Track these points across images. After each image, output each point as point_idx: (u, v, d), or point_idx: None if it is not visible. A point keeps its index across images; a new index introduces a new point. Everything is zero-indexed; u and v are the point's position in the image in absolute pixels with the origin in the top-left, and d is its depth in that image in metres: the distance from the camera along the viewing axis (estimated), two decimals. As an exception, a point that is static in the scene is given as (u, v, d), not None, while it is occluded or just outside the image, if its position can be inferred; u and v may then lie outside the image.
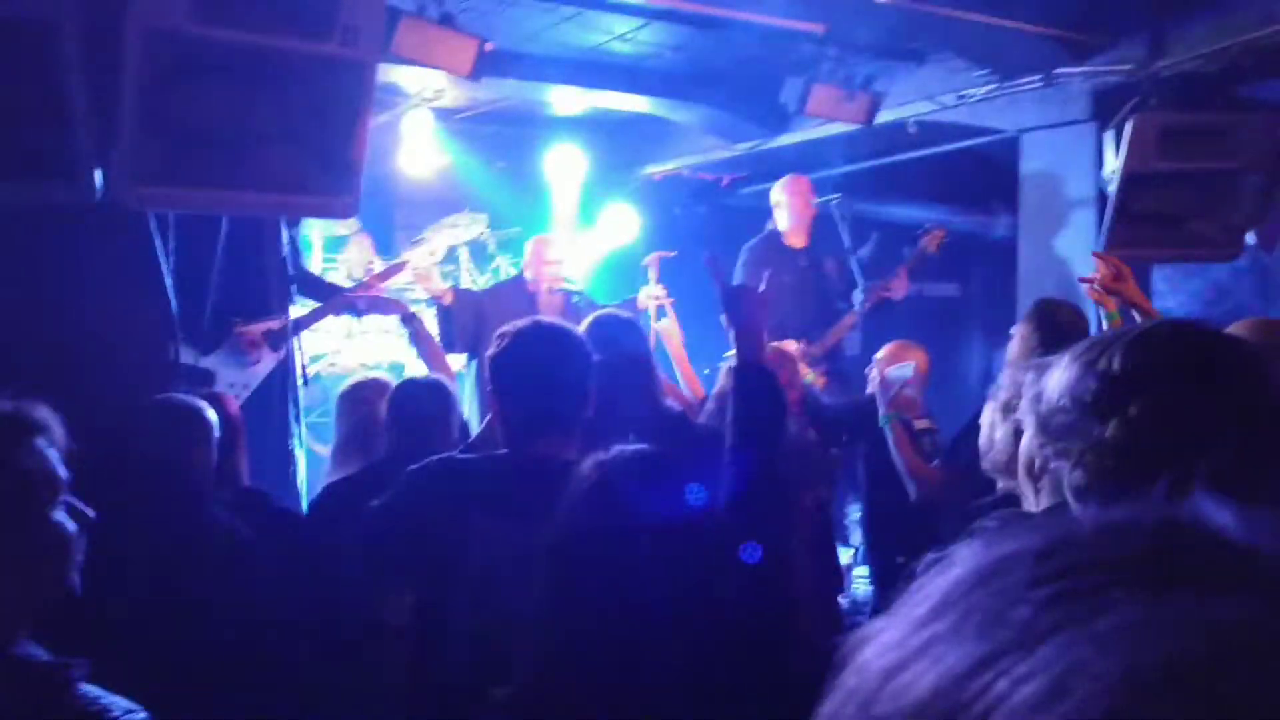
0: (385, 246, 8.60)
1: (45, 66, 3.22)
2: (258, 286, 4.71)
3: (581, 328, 3.25)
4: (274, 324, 4.67)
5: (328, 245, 8.22)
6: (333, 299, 5.22)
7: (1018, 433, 2.21)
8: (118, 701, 1.43)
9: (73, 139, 3.31)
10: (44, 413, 1.46)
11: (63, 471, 1.44)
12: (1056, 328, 3.54)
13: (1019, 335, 3.66)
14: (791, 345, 5.44)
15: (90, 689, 1.42)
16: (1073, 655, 0.37)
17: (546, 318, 2.70)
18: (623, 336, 3.44)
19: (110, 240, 3.89)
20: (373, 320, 7.48)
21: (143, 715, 1.44)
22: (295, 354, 4.87)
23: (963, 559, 0.45)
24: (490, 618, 2.30)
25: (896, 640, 0.42)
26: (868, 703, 0.41)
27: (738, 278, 5.87)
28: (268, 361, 4.67)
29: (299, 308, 5.82)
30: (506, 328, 2.62)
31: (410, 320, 4.71)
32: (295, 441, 4.80)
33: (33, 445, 1.41)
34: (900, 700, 0.40)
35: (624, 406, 2.94)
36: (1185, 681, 0.35)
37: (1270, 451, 1.27)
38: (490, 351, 2.59)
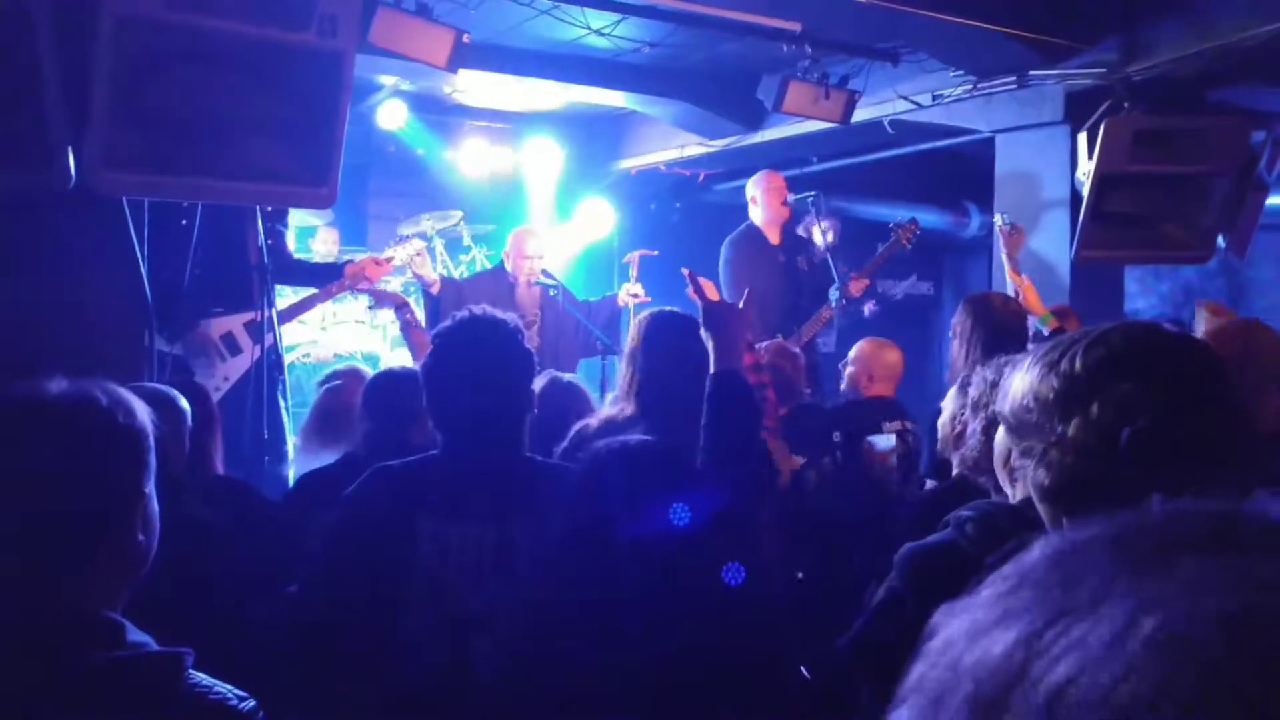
0: (359, 237, 8.58)
1: (19, 52, 3.19)
2: (238, 277, 4.69)
3: (635, 326, 3.21)
4: (255, 315, 4.64)
5: (299, 234, 8.19)
6: (329, 285, 5.22)
7: (988, 429, 2.26)
8: (229, 689, 1.44)
9: (47, 126, 3.28)
10: (133, 397, 1.47)
11: (150, 452, 1.46)
12: (995, 319, 3.73)
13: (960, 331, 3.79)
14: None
15: (201, 677, 1.42)
16: (1140, 602, 0.42)
17: (485, 307, 2.62)
18: (688, 339, 2.96)
19: (84, 227, 3.87)
20: (348, 310, 7.48)
21: (253, 703, 1.45)
22: (279, 344, 4.84)
23: (1039, 546, 0.50)
24: (444, 619, 2.31)
25: (979, 610, 0.48)
26: (955, 661, 0.47)
27: (724, 273, 5.90)
28: (247, 354, 4.64)
29: (287, 298, 5.80)
30: (444, 323, 2.58)
31: (404, 310, 4.69)
32: (286, 431, 4.78)
33: (131, 427, 1.43)
34: (987, 650, 0.45)
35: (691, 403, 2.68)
36: (1240, 626, 0.40)
37: (1226, 446, 1.31)
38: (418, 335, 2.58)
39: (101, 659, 1.35)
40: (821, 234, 6.24)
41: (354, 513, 2.44)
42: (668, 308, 3.35)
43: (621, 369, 3.25)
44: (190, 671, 1.41)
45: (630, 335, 3.27)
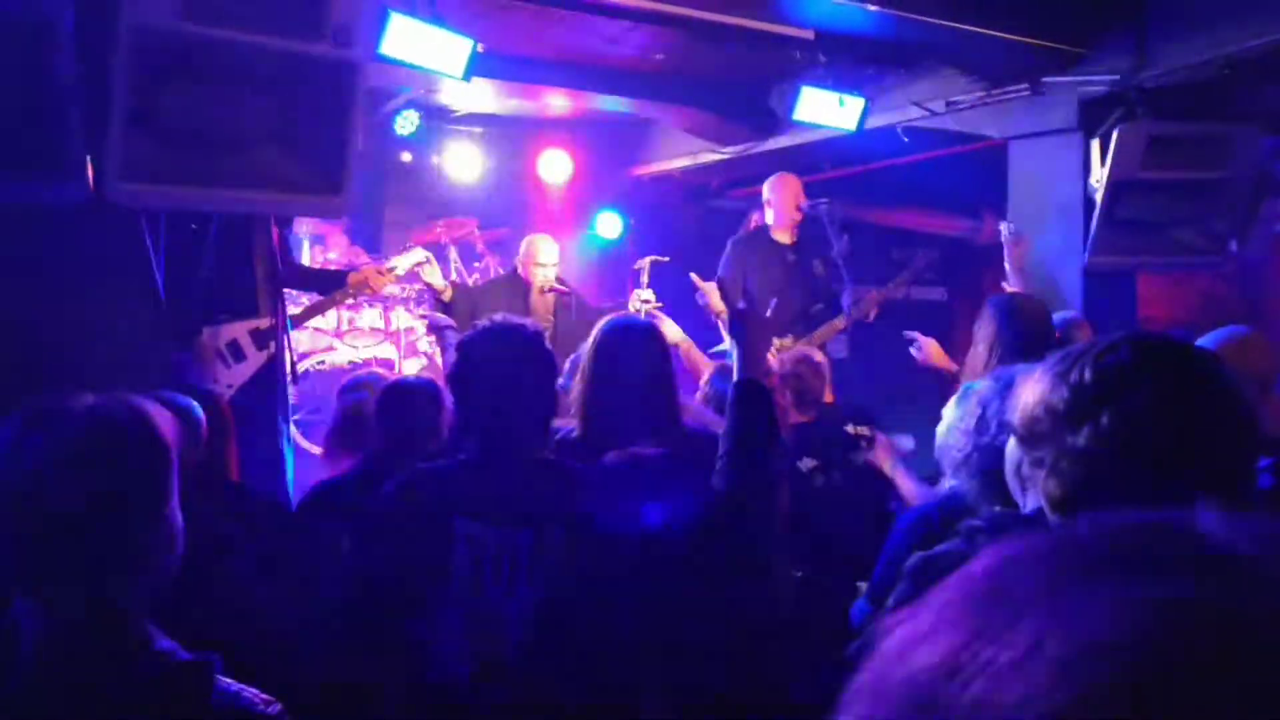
0: (374, 245, 8.61)
1: (39, 64, 3.22)
2: (244, 284, 4.71)
3: (594, 331, 3.16)
4: (261, 323, 4.66)
5: (312, 241, 8.23)
6: (332, 292, 5.26)
7: (970, 432, 2.25)
8: (256, 694, 1.47)
9: (67, 137, 3.31)
10: (158, 410, 1.49)
11: (174, 465, 1.48)
12: (1021, 323, 3.63)
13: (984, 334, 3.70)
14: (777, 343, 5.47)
15: (229, 682, 1.45)
16: (1051, 623, 0.44)
17: (505, 315, 2.66)
18: (639, 351, 3.01)
19: (101, 237, 3.90)
20: (366, 319, 7.53)
21: (278, 707, 1.48)
22: (286, 352, 4.86)
23: (981, 557, 0.52)
24: (476, 619, 2.35)
25: (920, 620, 0.49)
26: (888, 670, 0.48)
27: (722, 269, 5.95)
28: (252, 361, 4.66)
29: (298, 304, 5.83)
30: (467, 332, 2.64)
31: (450, 332, 4.70)
32: (284, 440, 4.80)
33: (158, 443, 1.45)
34: (913, 666, 0.47)
35: (641, 422, 2.79)
36: (1137, 654, 0.41)
37: (1235, 458, 1.31)
38: (452, 355, 2.62)
39: (132, 667, 1.37)
40: (838, 241, 6.26)
41: (392, 512, 2.47)
42: (625, 316, 3.30)
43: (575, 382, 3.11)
44: (218, 678, 1.43)
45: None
